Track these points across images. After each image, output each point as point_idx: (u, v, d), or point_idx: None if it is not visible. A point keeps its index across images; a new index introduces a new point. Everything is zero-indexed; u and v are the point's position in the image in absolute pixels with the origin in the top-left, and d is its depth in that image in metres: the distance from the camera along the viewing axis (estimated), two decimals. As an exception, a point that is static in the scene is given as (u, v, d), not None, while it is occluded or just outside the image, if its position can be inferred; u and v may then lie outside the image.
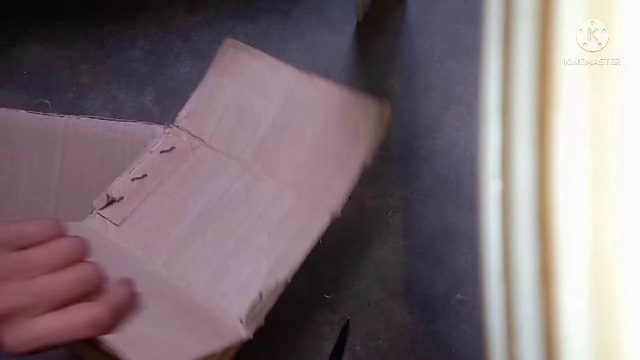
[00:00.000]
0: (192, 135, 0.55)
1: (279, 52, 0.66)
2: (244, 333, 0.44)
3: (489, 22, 0.23)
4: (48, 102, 0.67)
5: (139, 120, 0.61)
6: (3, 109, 0.60)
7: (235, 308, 0.46)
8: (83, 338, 0.33)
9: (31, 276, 0.33)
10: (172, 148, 0.55)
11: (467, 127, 0.64)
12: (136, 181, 0.52)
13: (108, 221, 0.50)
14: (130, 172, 0.53)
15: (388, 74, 0.62)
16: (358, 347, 0.61)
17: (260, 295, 0.47)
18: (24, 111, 0.60)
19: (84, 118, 0.60)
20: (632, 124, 0.20)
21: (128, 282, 0.39)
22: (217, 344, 0.41)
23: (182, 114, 0.56)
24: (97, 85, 0.67)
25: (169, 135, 0.55)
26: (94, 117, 0.61)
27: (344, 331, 0.61)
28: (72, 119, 0.60)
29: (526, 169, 0.21)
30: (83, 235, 0.38)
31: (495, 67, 0.23)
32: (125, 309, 0.37)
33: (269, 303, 0.47)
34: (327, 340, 0.61)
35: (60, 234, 0.36)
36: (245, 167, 0.53)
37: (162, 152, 0.54)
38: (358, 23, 0.64)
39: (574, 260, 0.20)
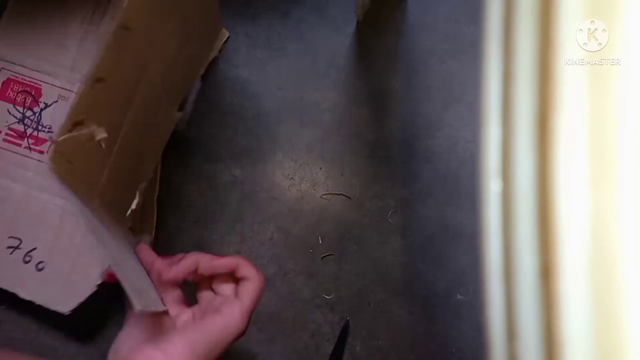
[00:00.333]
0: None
1: (278, 52, 0.66)
2: None
3: (489, 21, 0.23)
4: (48, 102, 0.67)
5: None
6: None
7: None
8: None
9: None
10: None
11: (467, 127, 0.64)
12: None
13: None
14: None
15: (388, 74, 0.62)
16: (358, 347, 0.61)
17: None
18: None
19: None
20: (632, 124, 0.20)
21: None
22: None
23: None
24: (97, 86, 0.67)
25: None
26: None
27: (344, 331, 0.61)
28: None
29: (526, 168, 0.21)
30: None
31: (496, 67, 0.23)
32: None
33: None
34: (327, 340, 0.61)
35: None
36: None
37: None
38: (358, 23, 0.64)
39: (574, 259, 0.20)
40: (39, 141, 0.60)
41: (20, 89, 0.61)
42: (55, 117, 0.60)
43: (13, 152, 0.59)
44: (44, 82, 0.61)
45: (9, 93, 0.61)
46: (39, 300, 0.54)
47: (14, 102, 0.60)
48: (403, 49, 0.64)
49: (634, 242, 0.19)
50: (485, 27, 0.23)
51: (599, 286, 0.19)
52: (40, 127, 0.60)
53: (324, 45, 0.62)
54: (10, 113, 0.60)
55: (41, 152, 0.59)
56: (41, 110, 0.61)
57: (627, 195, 0.19)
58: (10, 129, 0.60)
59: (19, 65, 0.61)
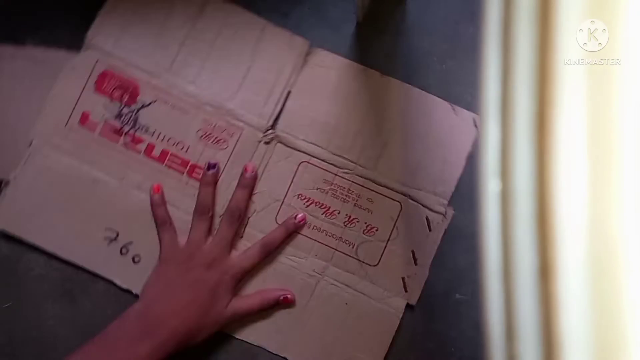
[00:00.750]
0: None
1: (278, 52, 0.66)
2: None
3: (489, 22, 0.23)
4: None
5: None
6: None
7: None
8: None
9: None
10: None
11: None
12: None
13: None
14: None
15: (388, 74, 0.62)
16: (357, 347, 0.61)
17: None
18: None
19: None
20: (631, 124, 0.20)
21: None
22: None
23: None
24: (96, 85, 0.67)
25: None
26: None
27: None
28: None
29: (526, 167, 0.21)
30: None
31: (495, 67, 0.23)
32: None
33: None
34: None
35: None
36: None
37: None
38: (358, 23, 0.64)
39: (573, 258, 0.20)
40: (135, 140, 0.60)
41: (117, 84, 0.60)
42: (151, 119, 0.60)
43: (109, 147, 0.60)
44: (142, 79, 0.60)
45: (106, 87, 0.60)
46: (135, 289, 0.58)
47: (110, 97, 0.60)
48: (402, 49, 0.64)
49: (632, 242, 0.19)
50: (484, 28, 0.24)
51: (597, 285, 0.19)
52: (137, 127, 0.60)
53: (324, 45, 0.62)
54: (106, 108, 0.60)
55: (137, 152, 0.60)
56: (138, 109, 0.60)
57: (626, 195, 0.19)
58: (106, 123, 0.60)
59: (117, 58, 0.60)
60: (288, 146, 0.60)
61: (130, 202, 0.59)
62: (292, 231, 0.59)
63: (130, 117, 0.60)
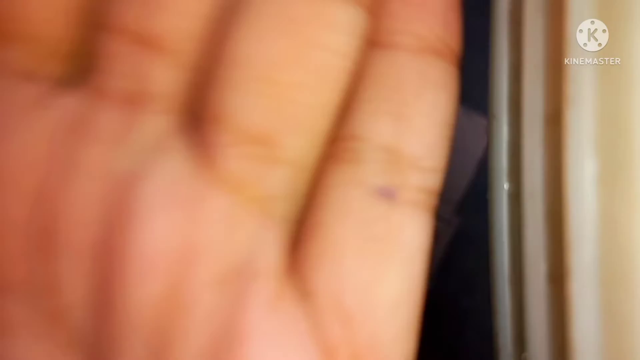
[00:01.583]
0: None
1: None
2: None
3: (498, 15, 0.23)
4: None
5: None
6: None
7: None
8: None
9: None
10: None
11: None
12: None
13: None
14: None
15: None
16: (363, 353, 0.60)
17: None
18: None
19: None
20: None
21: None
22: None
23: None
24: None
25: None
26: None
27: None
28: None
29: (536, 167, 0.21)
30: None
31: (504, 62, 0.23)
32: None
33: None
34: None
35: None
36: None
37: None
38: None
39: (587, 263, 0.19)
40: None
41: None
42: None
43: None
44: None
45: None
46: None
47: None
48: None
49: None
50: (494, 21, 0.23)
51: (611, 291, 0.19)
52: None
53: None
54: None
55: None
56: None
57: (643, 196, 0.19)
58: None
59: None
60: None
61: None
62: None
63: None
